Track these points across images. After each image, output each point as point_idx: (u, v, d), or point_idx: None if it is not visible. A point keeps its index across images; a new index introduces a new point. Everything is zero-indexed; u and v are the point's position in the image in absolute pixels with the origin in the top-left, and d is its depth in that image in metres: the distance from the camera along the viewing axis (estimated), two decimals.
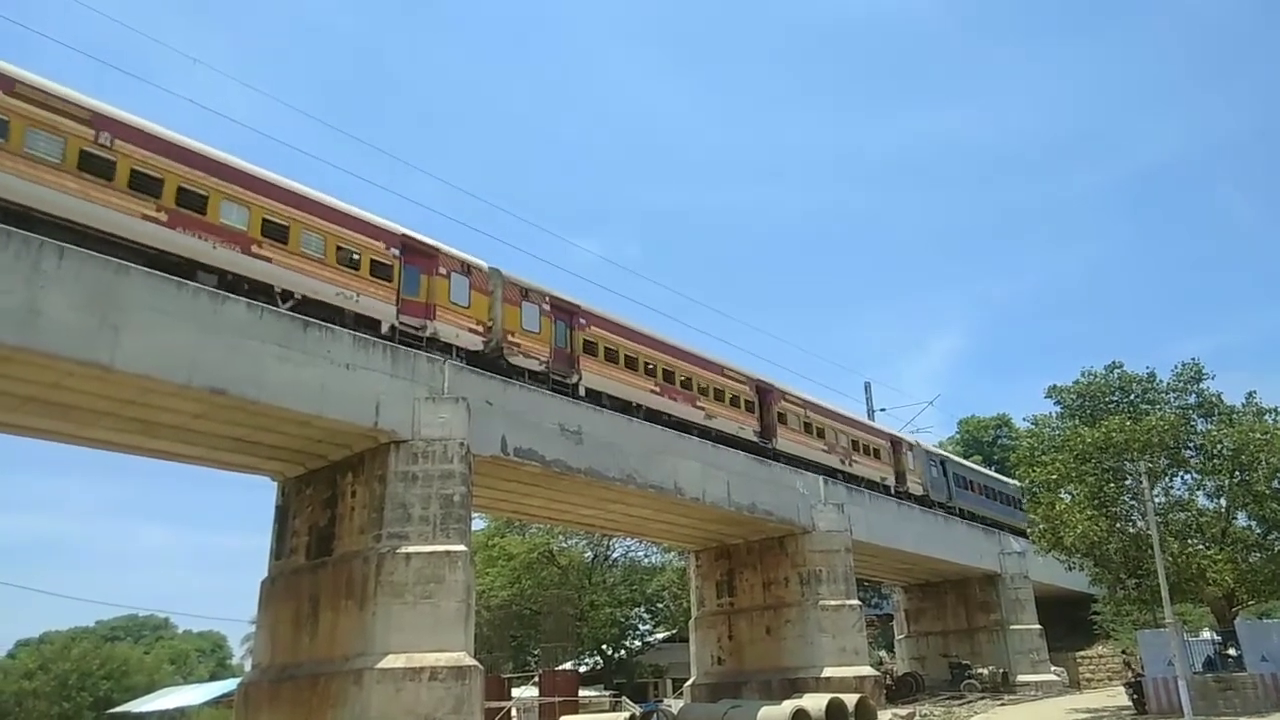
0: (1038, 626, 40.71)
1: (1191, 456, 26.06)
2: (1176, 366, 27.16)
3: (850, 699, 25.10)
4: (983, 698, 33.76)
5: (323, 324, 18.30)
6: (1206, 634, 28.04)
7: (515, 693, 29.85)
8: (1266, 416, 25.88)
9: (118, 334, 14.97)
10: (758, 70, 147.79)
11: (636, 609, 47.21)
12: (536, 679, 30.54)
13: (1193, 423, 26.33)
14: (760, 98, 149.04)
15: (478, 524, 40.82)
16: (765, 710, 23.09)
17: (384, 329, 19.55)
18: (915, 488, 37.69)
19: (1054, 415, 28.66)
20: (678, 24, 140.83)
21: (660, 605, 47.52)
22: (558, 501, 26.05)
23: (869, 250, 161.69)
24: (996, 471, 49.00)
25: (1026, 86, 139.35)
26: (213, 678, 66.76)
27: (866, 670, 29.38)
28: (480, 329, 21.65)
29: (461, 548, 18.68)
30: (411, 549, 18.23)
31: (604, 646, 44.90)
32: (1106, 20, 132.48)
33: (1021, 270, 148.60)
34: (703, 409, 27.67)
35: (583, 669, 43.06)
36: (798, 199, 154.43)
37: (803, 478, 30.98)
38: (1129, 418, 25.73)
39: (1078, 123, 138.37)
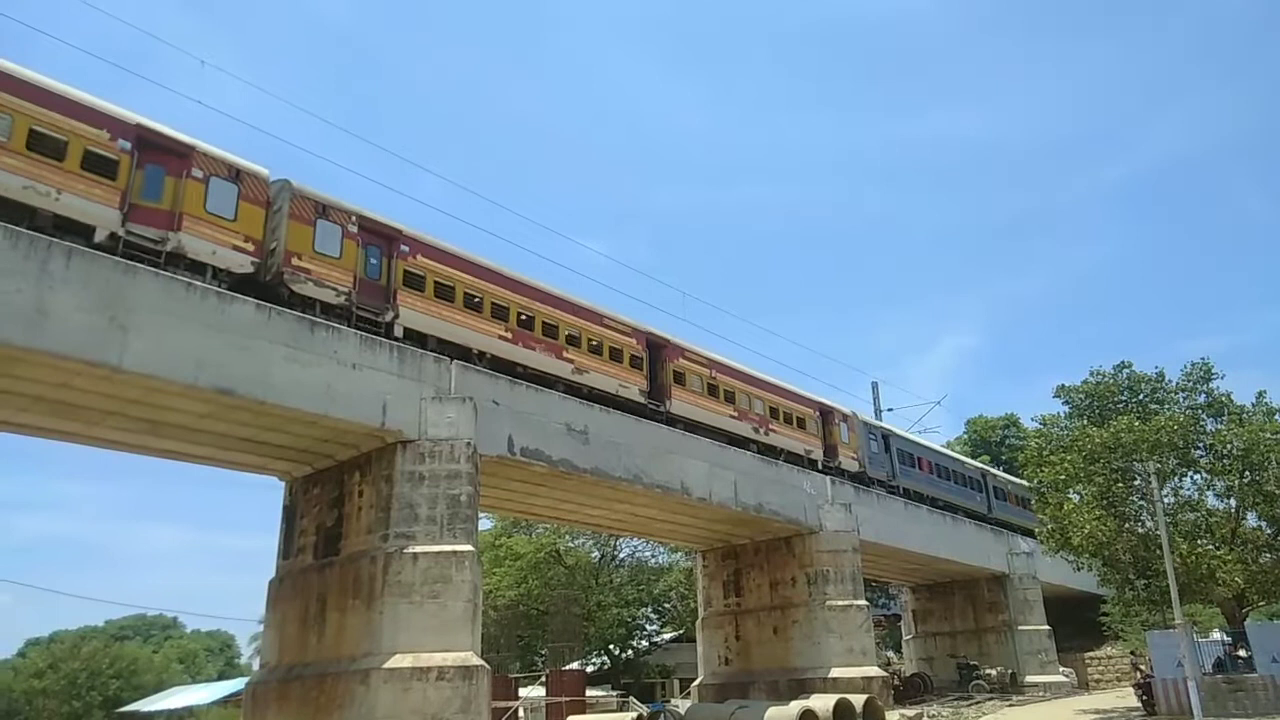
0: (1046, 627, 40.56)
1: (1201, 456, 25.91)
2: (1186, 366, 27.08)
3: (858, 699, 25.03)
4: (991, 698, 33.66)
5: (330, 324, 18.34)
6: (1216, 635, 27.91)
7: (522, 692, 29.83)
8: (1277, 416, 25.75)
9: (125, 334, 15.01)
10: (766, 71, 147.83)
11: (643, 609, 47.21)
12: (543, 679, 30.50)
13: (1202, 422, 26.20)
14: (768, 99, 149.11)
15: (484, 524, 40.95)
16: (772, 711, 23.03)
17: (99, 237, 15.96)
18: (849, 463, 33.89)
19: (1062, 415, 28.57)
20: (683, 24, 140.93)
21: (667, 605, 47.54)
22: (564, 501, 26.04)
23: (879, 251, 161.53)
24: (1004, 471, 48.71)
25: (1036, 86, 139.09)
26: (221, 677, 67.08)
27: (874, 671, 29.29)
28: (250, 247, 17.97)
29: (468, 547, 18.68)
30: (418, 549, 18.25)
31: (611, 646, 44.93)
32: (1115, 17, 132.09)
33: (1031, 270, 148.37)
34: (570, 361, 24.02)
35: (590, 669, 43.09)
36: (807, 200, 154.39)
37: (810, 478, 30.93)
38: (1138, 418, 25.63)
39: (1088, 122, 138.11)
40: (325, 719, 17.51)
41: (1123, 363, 28.02)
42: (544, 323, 23.69)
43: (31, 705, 54.22)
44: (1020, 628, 40.14)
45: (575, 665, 41.56)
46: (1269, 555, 25.08)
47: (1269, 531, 25.53)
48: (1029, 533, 40.40)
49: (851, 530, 30.89)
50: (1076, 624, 45.81)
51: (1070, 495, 27.05)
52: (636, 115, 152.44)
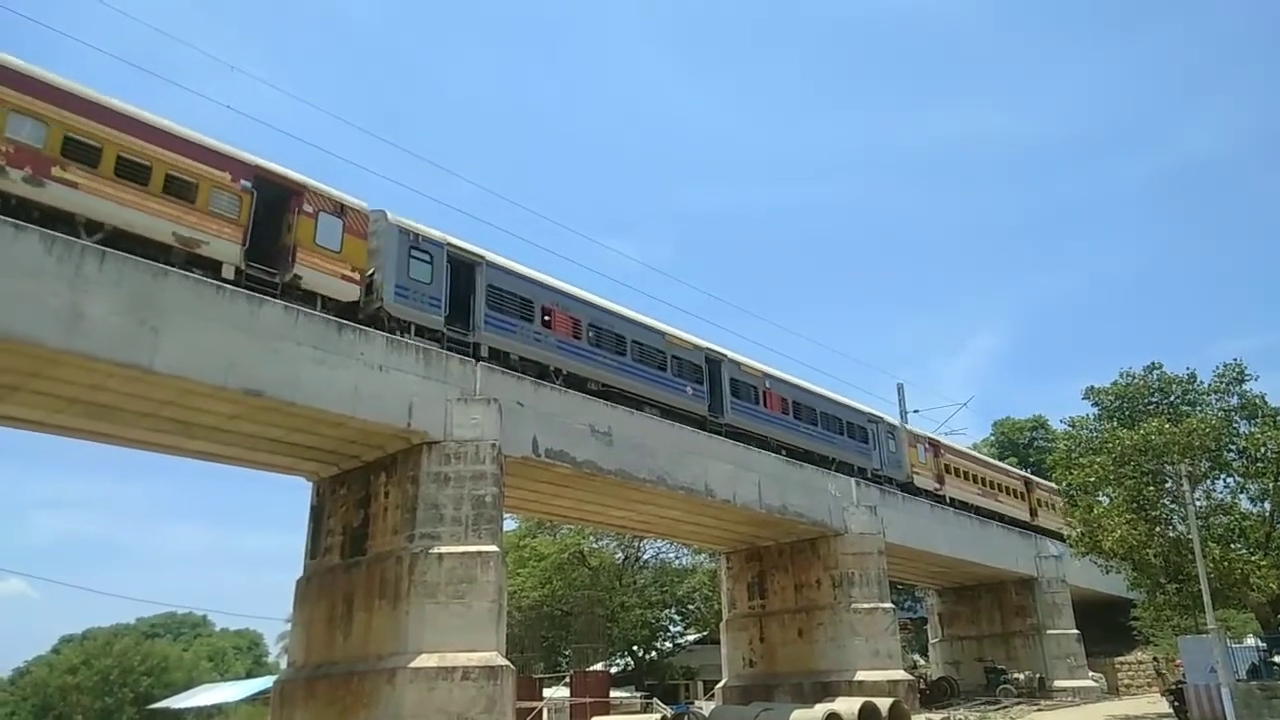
0: (1075, 631, 40.15)
1: (1234, 459, 25.54)
2: (1218, 367, 26.72)
3: (883, 703, 24.93)
4: (1018, 703, 33.37)
5: (356, 326, 18.52)
6: (1251, 640, 27.48)
7: (547, 693, 29.96)
8: None
9: (157, 336, 15.24)
10: (789, 70, 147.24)
11: (667, 610, 47.26)
12: (568, 679, 30.64)
13: (1235, 425, 25.82)
14: (792, 98, 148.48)
15: (509, 524, 41.10)
16: (797, 713, 22.97)
17: None
18: (325, 281, 18.56)
19: (1092, 417, 28.30)
20: (705, 24, 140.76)
21: (691, 607, 47.53)
22: (588, 502, 26.11)
23: (905, 250, 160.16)
24: (1034, 474, 47.92)
25: (1064, 83, 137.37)
26: (249, 675, 67.87)
27: (899, 674, 29.12)
28: None
29: (493, 548, 18.79)
30: (444, 549, 18.38)
31: (635, 648, 44.98)
32: (1144, 11, 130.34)
33: (1061, 269, 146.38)
34: None
35: (614, 670, 43.16)
36: (831, 200, 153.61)
37: (835, 480, 30.78)
38: (1169, 420, 25.31)
39: (1119, 118, 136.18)
40: (352, 717, 17.69)
41: (1153, 364, 27.73)
42: None
43: (65, 701, 55.22)
44: (1048, 631, 39.76)
45: (599, 666, 41.66)
46: None
47: None
48: (814, 459, 30.63)
49: (876, 532, 30.72)
50: (1106, 628, 45.27)
51: (1100, 498, 26.78)
52: (660, 116, 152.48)
